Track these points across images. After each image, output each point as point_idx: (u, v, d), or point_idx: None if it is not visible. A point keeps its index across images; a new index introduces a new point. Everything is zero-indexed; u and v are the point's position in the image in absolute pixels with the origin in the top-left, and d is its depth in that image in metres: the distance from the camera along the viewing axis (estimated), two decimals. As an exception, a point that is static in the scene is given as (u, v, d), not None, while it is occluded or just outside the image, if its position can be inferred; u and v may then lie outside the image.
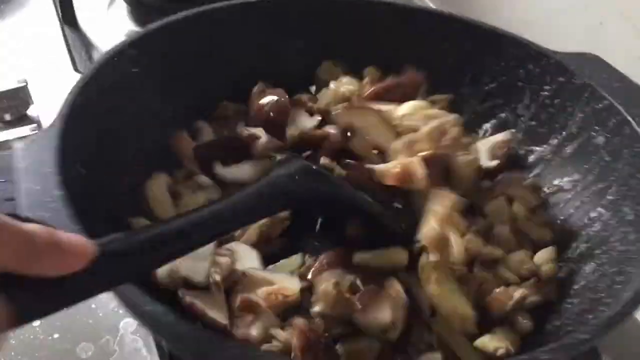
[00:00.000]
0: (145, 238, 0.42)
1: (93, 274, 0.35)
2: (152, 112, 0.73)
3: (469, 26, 0.82)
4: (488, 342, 0.60)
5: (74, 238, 0.34)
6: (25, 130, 0.88)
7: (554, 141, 0.76)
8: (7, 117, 0.93)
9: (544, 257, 0.68)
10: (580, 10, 0.89)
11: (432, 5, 1.20)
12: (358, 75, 0.83)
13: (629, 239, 0.62)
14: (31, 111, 0.95)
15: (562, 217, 0.72)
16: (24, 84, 0.94)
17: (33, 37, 1.10)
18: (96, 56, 1.08)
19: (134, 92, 0.71)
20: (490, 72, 0.81)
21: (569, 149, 0.74)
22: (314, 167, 0.62)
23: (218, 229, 0.50)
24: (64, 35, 1.11)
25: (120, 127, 0.68)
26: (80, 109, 0.62)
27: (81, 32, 1.12)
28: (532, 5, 0.97)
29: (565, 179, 0.74)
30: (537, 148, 0.78)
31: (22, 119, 0.94)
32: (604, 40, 0.86)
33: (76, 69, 1.04)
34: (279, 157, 0.67)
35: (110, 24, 1.15)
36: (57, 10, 1.15)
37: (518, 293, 0.62)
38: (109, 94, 0.67)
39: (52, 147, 0.56)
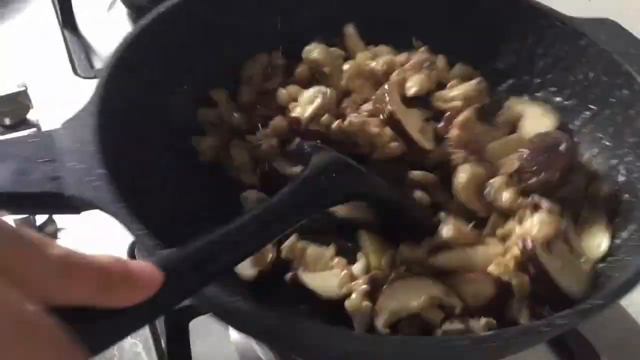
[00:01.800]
0: (199, 251, 0.41)
1: (156, 298, 0.34)
2: (185, 85, 0.73)
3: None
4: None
5: (144, 267, 0.34)
6: (24, 134, 0.88)
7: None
8: (7, 121, 0.93)
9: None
10: (579, 12, 0.89)
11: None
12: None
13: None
14: (31, 115, 0.95)
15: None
16: (24, 88, 0.93)
17: (33, 41, 1.09)
18: (96, 60, 1.08)
19: (168, 67, 0.71)
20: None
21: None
22: (349, 162, 0.60)
23: (272, 231, 0.49)
24: (64, 39, 1.10)
25: (155, 103, 0.68)
26: (115, 85, 0.62)
27: (81, 36, 1.12)
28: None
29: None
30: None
31: (21, 123, 0.93)
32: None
33: (76, 73, 1.03)
34: (306, 147, 0.64)
35: (110, 28, 1.15)
36: (56, 14, 1.14)
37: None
38: (142, 69, 0.67)
39: (91, 125, 0.56)
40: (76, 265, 0.31)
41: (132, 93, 0.64)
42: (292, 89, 0.74)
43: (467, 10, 0.80)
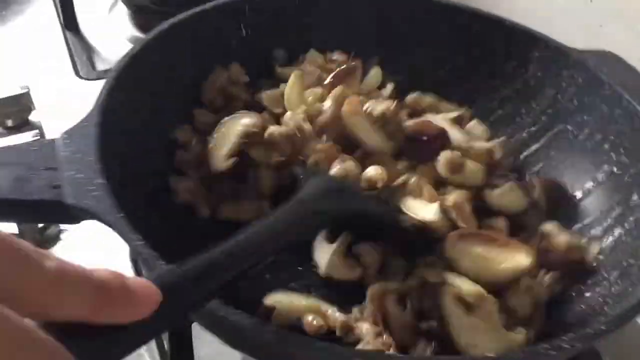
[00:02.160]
0: (199, 267, 0.40)
1: (155, 317, 0.33)
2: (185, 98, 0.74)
3: (482, 18, 0.82)
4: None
5: (142, 284, 0.34)
6: (27, 136, 0.88)
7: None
8: (9, 123, 0.93)
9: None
10: (580, 12, 0.89)
11: None
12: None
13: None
14: (33, 117, 0.95)
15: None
16: (26, 90, 0.94)
17: (34, 42, 1.10)
18: (98, 62, 1.08)
19: (169, 79, 0.72)
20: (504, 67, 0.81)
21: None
22: (342, 182, 0.62)
23: (267, 249, 0.48)
24: (66, 41, 1.11)
25: (155, 116, 0.69)
26: (117, 96, 0.63)
27: (82, 37, 1.12)
28: (531, 8, 0.97)
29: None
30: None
31: (24, 125, 0.94)
32: (604, 41, 0.86)
33: (78, 74, 1.04)
34: (300, 172, 0.65)
35: (111, 29, 1.15)
36: (58, 16, 1.15)
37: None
38: (144, 83, 0.68)
39: (92, 135, 0.57)
40: (72, 280, 0.30)
41: (133, 105, 0.65)
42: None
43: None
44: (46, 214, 0.55)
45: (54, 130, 0.92)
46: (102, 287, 0.31)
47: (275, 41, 0.82)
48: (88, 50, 1.09)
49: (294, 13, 0.82)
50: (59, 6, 1.13)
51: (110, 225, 0.50)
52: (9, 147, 0.65)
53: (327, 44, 0.83)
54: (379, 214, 0.64)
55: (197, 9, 0.76)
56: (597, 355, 0.74)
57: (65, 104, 0.97)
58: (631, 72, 0.73)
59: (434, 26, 0.83)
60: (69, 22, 1.13)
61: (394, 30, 0.84)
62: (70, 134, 0.58)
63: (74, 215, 0.53)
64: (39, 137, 0.88)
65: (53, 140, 0.57)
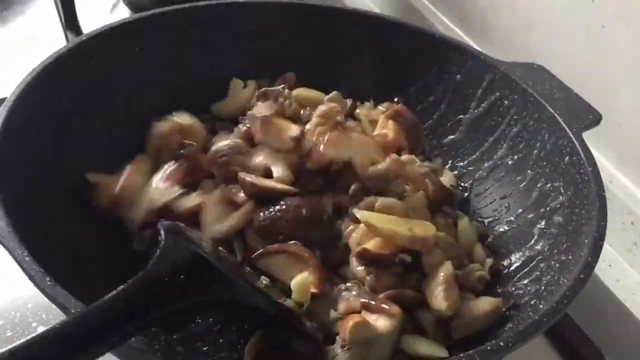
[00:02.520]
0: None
1: None
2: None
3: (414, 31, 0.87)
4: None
5: None
6: None
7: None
8: (10, 122, 0.94)
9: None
10: (581, 13, 0.89)
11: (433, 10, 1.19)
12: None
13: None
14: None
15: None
16: (27, 90, 0.94)
17: (35, 43, 1.11)
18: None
19: (81, 97, 0.74)
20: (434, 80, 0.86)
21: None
22: (209, 258, 0.55)
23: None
24: (67, 41, 1.12)
25: (58, 141, 0.70)
26: (18, 119, 0.65)
27: (83, 37, 1.13)
28: (532, 8, 0.97)
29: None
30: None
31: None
32: (605, 42, 0.86)
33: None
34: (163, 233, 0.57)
35: (112, 29, 1.15)
36: (59, 16, 1.16)
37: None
38: (50, 102, 0.70)
39: None
40: None
41: (34, 124, 0.67)
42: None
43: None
44: None
45: None
46: None
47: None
48: (88, 51, 1.09)
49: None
50: (60, 6, 1.15)
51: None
52: None
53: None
54: (252, 300, 0.59)
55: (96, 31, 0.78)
56: (600, 355, 0.74)
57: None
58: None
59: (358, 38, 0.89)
60: (70, 22, 1.15)
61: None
62: None
63: None
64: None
65: None
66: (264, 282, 0.64)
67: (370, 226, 0.64)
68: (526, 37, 0.99)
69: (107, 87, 0.77)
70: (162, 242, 0.54)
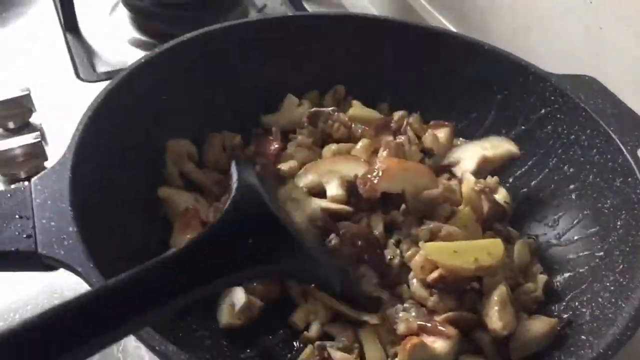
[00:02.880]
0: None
1: None
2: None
3: (470, 46, 0.84)
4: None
5: None
6: (28, 138, 0.88)
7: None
8: (10, 124, 0.94)
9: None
10: (580, 13, 0.89)
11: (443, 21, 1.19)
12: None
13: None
14: (34, 119, 0.96)
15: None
16: (27, 92, 0.94)
17: (35, 44, 1.10)
18: (98, 64, 1.08)
19: (142, 118, 0.73)
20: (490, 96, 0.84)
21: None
22: (278, 225, 0.53)
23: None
24: (66, 42, 1.11)
25: (129, 156, 0.70)
26: (91, 140, 0.63)
27: (83, 38, 1.13)
28: (531, 9, 0.97)
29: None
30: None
31: (25, 127, 0.94)
32: (604, 43, 0.86)
33: (78, 76, 1.05)
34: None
35: (112, 30, 1.16)
36: (59, 17, 1.15)
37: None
38: (119, 122, 0.69)
39: (65, 180, 0.57)
40: None
41: (106, 146, 0.66)
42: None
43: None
44: (20, 264, 0.54)
45: (54, 132, 0.93)
46: None
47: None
48: (88, 52, 1.10)
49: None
50: (59, 8, 1.14)
51: (81, 276, 0.51)
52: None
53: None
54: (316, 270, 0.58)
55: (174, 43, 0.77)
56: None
57: (66, 105, 0.98)
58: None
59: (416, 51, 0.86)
60: (70, 23, 1.14)
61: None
62: (42, 178, 0.58)
63: (48, 265, 0.53)
64: (39, 139, 0.88)
65: (26, 187, 0.57)
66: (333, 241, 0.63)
67: (437, 262, 0.64)
68: (526, 37, 0.99)
69: (169, 108, 0.77)
70: (234, 188, 0.52)
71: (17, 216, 0.54)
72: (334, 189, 0.71)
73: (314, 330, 0.65)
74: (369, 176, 0.68)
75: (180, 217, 0.70)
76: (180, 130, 0.78)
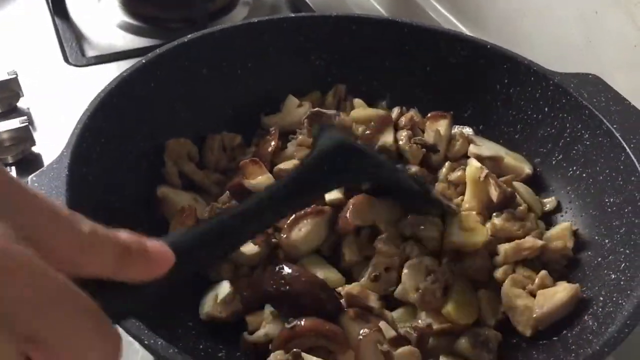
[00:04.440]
0: (208, 233, 0.45)
1: (169, 275, 0.37)
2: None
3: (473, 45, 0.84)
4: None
5: (158, 246, 0.37)
6: (15, 122, 0.87)
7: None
8: (-3, 109, 0.93)
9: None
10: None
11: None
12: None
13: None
14: (21, 103, 0.94)
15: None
16: (14, 75, 0.93)
17: (23, 28, 1.09)
18: (87, 48, 1.07)
19: (143, 118, 0.73)
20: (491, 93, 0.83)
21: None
22: (353, 146, 0.64)
23: (273, 213, 0.53)
24: (55, 26, 1.10)
25: (128, 156, 0.70)
26: (89, 139, 0.63)
27: (72, 23, 1.11)
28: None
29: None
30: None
31: (12, 111, 0.93)
32: (599, 28, 0.86)
33: (67, 61, 1.03)
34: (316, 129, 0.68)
35: (101, 15, 1.14)
36: (47, 2, 1.14)
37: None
38: (116, 122, 0.69)
39: (62, 178, 0.57)
40: (102, 241, 0.34)
41: (104, 145, 0.66)
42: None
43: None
44: None
45: (42, 116, 0.92)
46: (126, 248, 0.35)
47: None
48: (77, 37, 1.09)
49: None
50: (48, -9, 1.12)
51: None
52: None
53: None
54: (391, 178, 0.68)
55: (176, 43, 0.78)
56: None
57: (54, 90, 0.97)
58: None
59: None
60: (58, 8, 1.12)
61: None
62: (39, 176, 0.57)
63: None
64: (27, 123, 0.87)
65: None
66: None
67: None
68: (520, 23, 0.99)
69: (170, 108, 0.77)
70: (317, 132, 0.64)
71: None
72: (333, 191, 0.70)
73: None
74: (342, 213, 0.69)
75: (177, 216, 0.70)
76: (181, 130, 0.77)
